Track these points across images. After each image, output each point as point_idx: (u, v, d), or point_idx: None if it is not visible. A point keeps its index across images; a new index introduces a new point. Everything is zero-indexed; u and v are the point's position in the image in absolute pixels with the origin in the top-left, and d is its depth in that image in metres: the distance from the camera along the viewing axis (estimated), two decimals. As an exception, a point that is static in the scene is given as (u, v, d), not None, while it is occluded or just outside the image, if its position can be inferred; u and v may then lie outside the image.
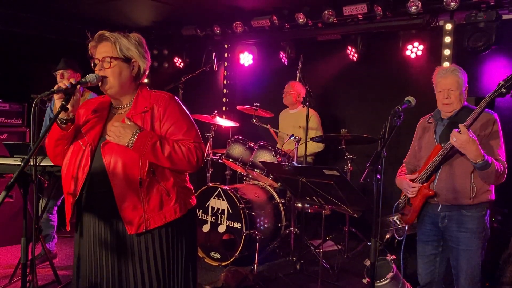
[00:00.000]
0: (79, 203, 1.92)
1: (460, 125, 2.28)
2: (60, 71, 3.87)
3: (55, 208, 3.86)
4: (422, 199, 2.56)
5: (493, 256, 3.79)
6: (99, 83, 1.89)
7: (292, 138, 4.18)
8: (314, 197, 3.10)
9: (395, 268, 3.01)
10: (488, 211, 2.52)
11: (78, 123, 1.94)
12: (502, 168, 2.37)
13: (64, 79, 3.05)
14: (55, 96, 1.80)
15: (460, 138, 2.27)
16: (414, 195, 2.58)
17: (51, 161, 2.02)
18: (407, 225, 2.75)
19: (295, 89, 4.81)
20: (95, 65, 1.92)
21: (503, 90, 2.22)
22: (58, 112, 1.79)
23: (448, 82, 2.48)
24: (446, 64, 4.36)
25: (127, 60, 1.91)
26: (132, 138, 1.80)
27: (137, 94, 1.95)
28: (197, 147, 1.91)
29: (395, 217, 4.30)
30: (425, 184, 2.54)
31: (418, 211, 2.62)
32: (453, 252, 2.52)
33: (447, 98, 2.48)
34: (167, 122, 1.91)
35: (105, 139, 1.87)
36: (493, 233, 3.75)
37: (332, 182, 2.75)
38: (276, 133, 4.91)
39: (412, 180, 2.59)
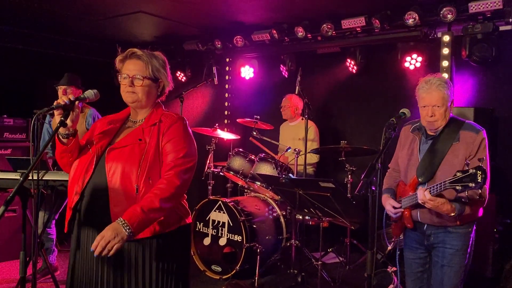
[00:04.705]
0: (79, 206, 1.97)
1: (426, 202, 2.22)
2: (63, 87, 3.93)
3: (53, 221, 3.89)
4: (403, 225, 2.53)
5: (497, 266, 3.76)
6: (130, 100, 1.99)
7: (289, 150, 4.20)
8: (312, 209, 3.11)
9: (396, 280, 3.00)
10: (474, 227, 2.46)
11: (92, 135, 2.03)
12: (482, 197, 2.29)
13: (66, 94, 3.12)
14: (55, 112, 1.86)
15: (430, 205, 2.22)
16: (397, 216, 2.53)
17: (62, 169, 2.09)
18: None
19: (292, 103, 4.85)
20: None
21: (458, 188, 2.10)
22: (57, 128, 1.86)
23: (433, 98, 2.33)
24: (445, 75, 4.38)
25: (155, 80, 2.03)
26: (127, 229, 1.77)
27: (152, 111, 2.06)
28: (177, 172, 1.90)
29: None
30: (407, 212, 2.44)
31: (401, 229, 2.59)
32: (437, 267, 2.46)
33: (432, 116, 2.35)
34: (166, 137, 1.97)
35: (112, 147, 1.95)
36: (496, 244, 3.75)
37: (329, 194, 2.76)
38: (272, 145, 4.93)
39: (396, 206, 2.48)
